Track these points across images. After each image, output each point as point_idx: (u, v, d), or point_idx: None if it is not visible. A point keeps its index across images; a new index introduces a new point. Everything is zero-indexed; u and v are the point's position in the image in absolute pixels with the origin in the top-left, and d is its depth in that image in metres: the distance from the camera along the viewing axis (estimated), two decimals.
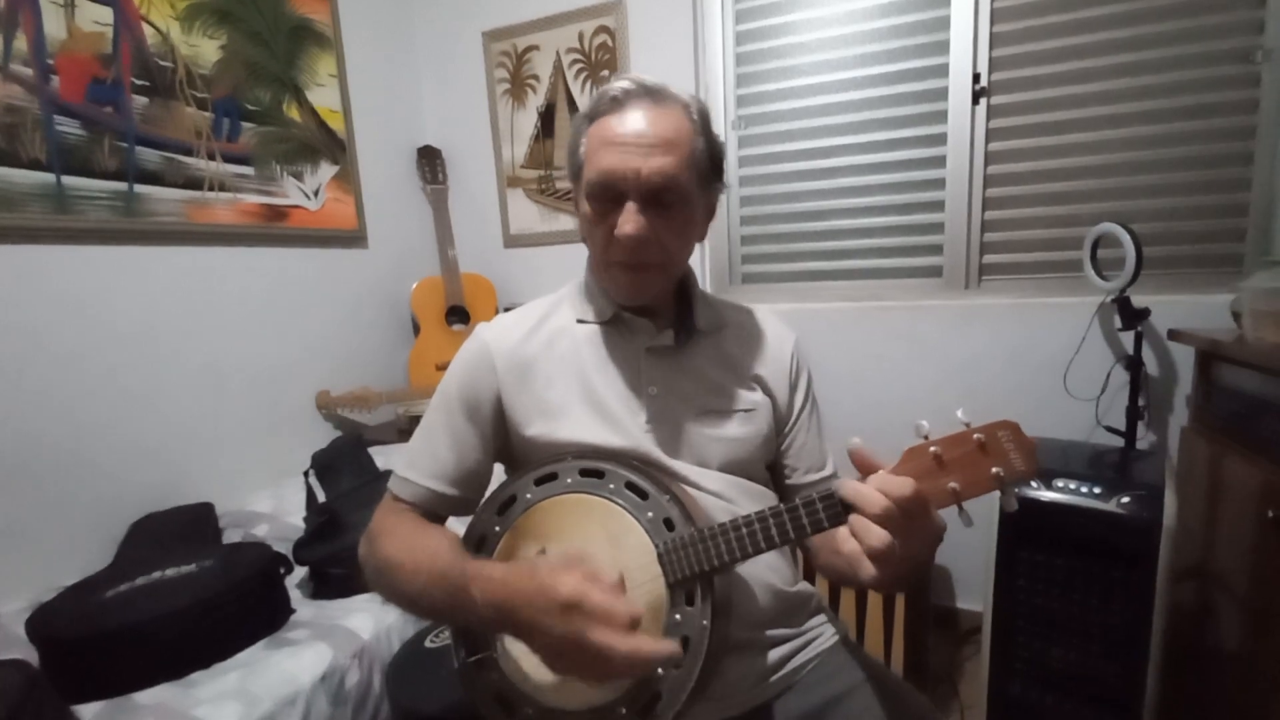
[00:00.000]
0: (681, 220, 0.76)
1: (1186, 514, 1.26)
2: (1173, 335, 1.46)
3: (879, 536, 0.53)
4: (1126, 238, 1.44)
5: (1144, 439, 1.58)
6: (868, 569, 0.54)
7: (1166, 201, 1.60)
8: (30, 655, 1.03)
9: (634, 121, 0.72)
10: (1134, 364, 1.49)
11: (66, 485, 1.41)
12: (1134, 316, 1.47)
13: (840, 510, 0.58)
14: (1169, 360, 1.58)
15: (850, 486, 0.57)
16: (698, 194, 0.76)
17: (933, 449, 0.57)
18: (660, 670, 0.62)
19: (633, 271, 0.75)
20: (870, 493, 0.55)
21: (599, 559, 0.63)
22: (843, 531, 0.57)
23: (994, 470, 0.56)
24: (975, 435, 0.57)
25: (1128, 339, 1.53)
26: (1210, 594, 1.29)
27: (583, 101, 2.17)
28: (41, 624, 1.06)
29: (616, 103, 0.74)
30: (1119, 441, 1.53)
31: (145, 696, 1.02)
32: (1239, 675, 1.17)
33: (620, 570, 0.60)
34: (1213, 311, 1.46)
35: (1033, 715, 1.31)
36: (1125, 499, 1.19)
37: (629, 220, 0.71)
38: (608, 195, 0.73)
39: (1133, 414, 1.51)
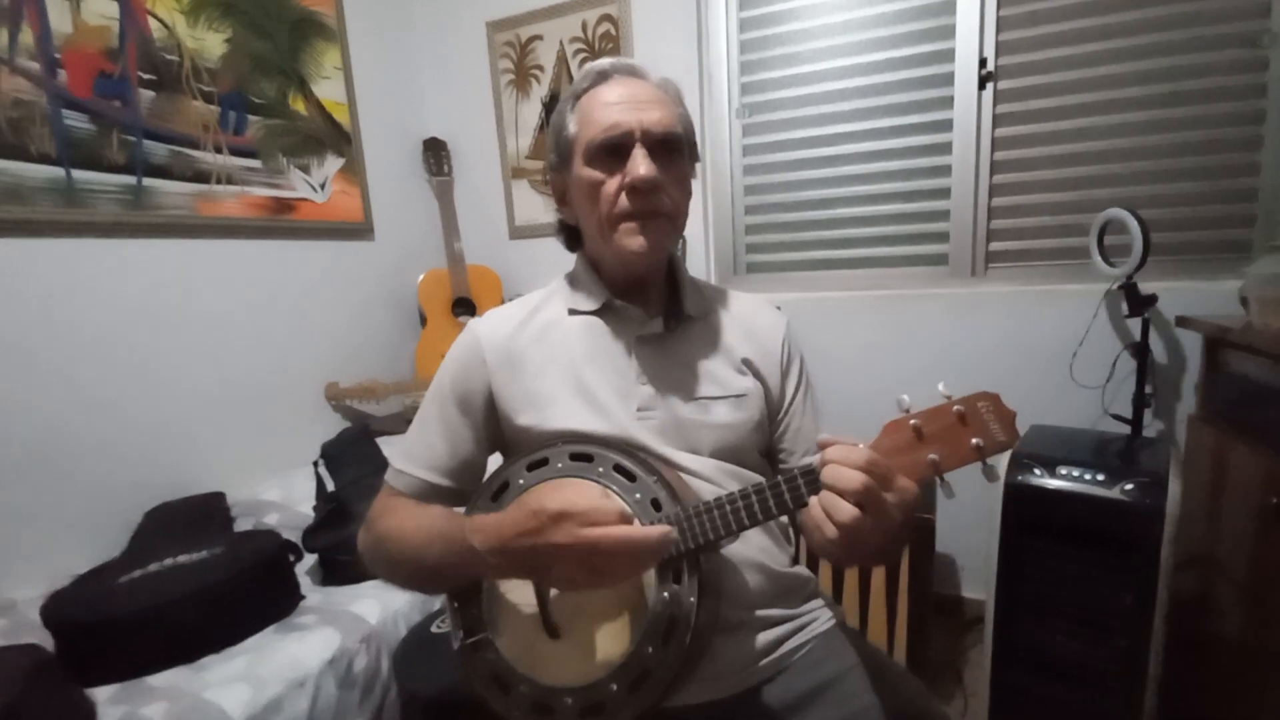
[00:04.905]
0: (681, 172, 0.79)
1: (1191, 501, 1.26)
2: (1180, 322, 1.44)
3: (848, 512, 0.53)
4: (1134, 223, 1.42)
5: (1151, 427, 1.57)
6: (829, 530, 0.55)
7: (1174, 187, 1.58)
8: (46, 640, 1.06)
9: (624, 86, 0.77)
10: (1141, 351, 1.48)
11: (80, 475, 1.44)
12: (1141, 303, 1.45)
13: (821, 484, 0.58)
14: (1176, 347, 1.57)
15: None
16: (688, 156, 0.80)
17: (912, 422, 0.57)
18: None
19: (646, 220, 0.75)
20: (840, 469, 0.55)
21: (580, 489, 0.66)
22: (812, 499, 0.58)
23: (974, 441, 0.56)
24: (955, 407, 0.57)
25: (1135, 326, 1.52)
26: (1214, 581, 1.28)
27: None
28: (56, 610, 1.09)
29: (603, 75, 0.78)
30: (1125, 429, 1.52)
31: (157, 679, 1.05)
32: (1241, 662, 1.16)
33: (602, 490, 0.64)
34: (1221, 298, 1.44)
35: (1035, 702, 1.31)
36: (1128, 486, 1.19)
37: (641, 163, 0.73)
38: (613, 151, 0.74)
39: (1139, 401, 1.49)
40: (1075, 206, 1.67)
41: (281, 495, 1.68)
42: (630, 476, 0.68)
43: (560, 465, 0.71)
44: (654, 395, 0.78)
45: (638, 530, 0.59)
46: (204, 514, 1.56)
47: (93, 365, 1.46)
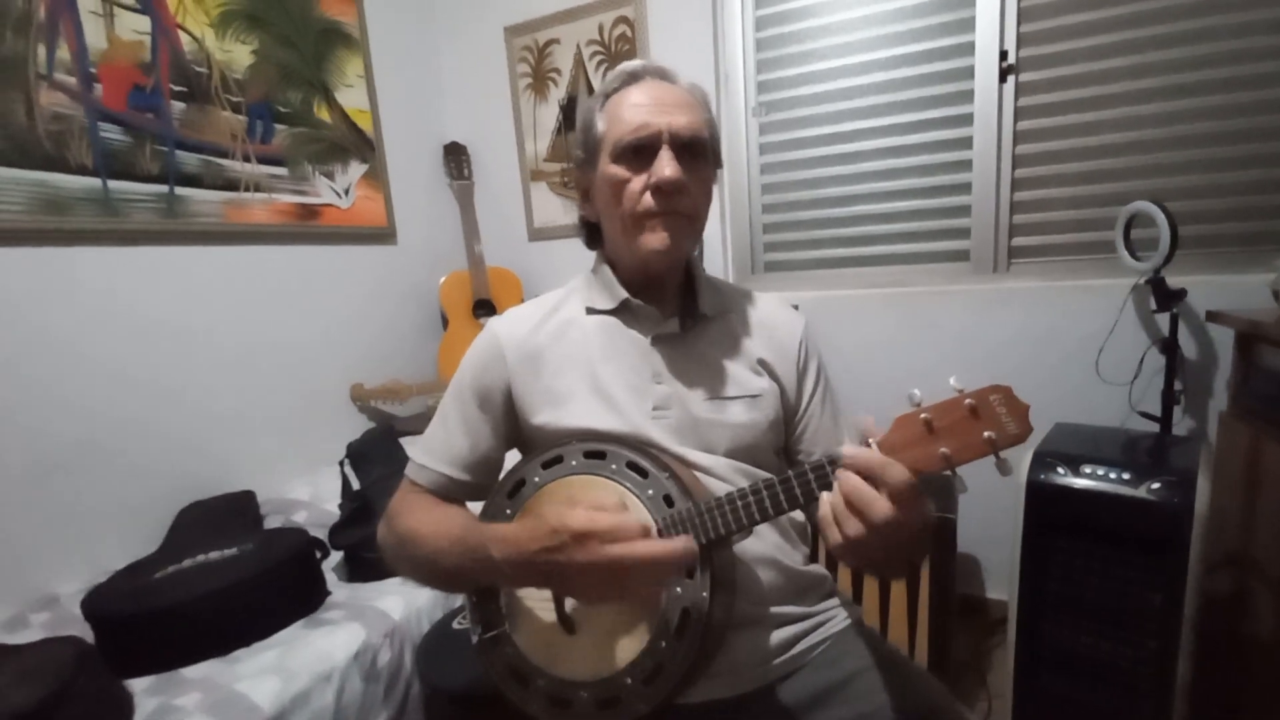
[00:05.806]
0: (705, 176, 0.80)
1: (1223, 500, 1.23)
2: (1211, 316, 1.41)
3: (856, 528, 0.54)
4: (1161, 216, 1.39)
5: (1181, 424, 1.54)
6: (834, 535, 0.54)
7: (1203, 178, 1.54)
8: (86, 633, 1.10)
9: (654, 88, 0.78)
10: (1169, 347, 1.45)
11: (118, 475, 1.49)
12: (1169, 298, 1.42)
13: (830, 478, 0.58)
14: (1207, 342, 1.53)
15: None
16: (711, 161, 0.81)
17: (923, 416, 0.57)
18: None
19: (668, 218, 0.76)
20: (859, 465, 0.55)
21: (596, 496, 0.66)
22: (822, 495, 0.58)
23: (986, 434, 0.55)
24: (966, 400, 0.56)
25: (1163, 321, 1.48)
26: (1246, 582, 1.25)
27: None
28: (96, 604, 1.13)
29: (633, 77, 0.79)
30: (1154, 427, 1.49)
31: (191, 671, 1.08)
32: (1275, 665, 1.14)
33: (619, 496, 0.64)
34: (1253, 291, 1.40)
35: (1060, 705, 1.29)
36: (1155, 485, 1.16)
37: (667, 164, 0.74)
38: (640, 151, 0.75)
39: (1168, 399, 1.46)
40: (1100, 200, 1.64)
41: (309, 494, 1.72)
42: (643, 473, 0.69)
43: (574, 463, 0.72)
44: (669, 394, 0.78)
45: (659, 544, 0.59)
46: (235, 512, 1.60)
47: (129, 369, 1.51)
